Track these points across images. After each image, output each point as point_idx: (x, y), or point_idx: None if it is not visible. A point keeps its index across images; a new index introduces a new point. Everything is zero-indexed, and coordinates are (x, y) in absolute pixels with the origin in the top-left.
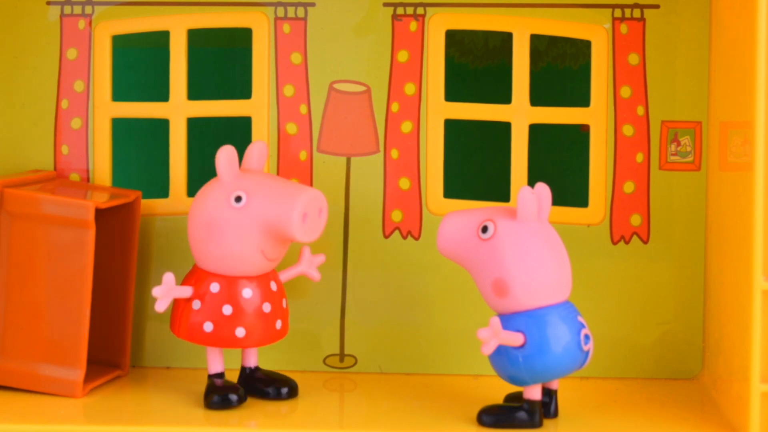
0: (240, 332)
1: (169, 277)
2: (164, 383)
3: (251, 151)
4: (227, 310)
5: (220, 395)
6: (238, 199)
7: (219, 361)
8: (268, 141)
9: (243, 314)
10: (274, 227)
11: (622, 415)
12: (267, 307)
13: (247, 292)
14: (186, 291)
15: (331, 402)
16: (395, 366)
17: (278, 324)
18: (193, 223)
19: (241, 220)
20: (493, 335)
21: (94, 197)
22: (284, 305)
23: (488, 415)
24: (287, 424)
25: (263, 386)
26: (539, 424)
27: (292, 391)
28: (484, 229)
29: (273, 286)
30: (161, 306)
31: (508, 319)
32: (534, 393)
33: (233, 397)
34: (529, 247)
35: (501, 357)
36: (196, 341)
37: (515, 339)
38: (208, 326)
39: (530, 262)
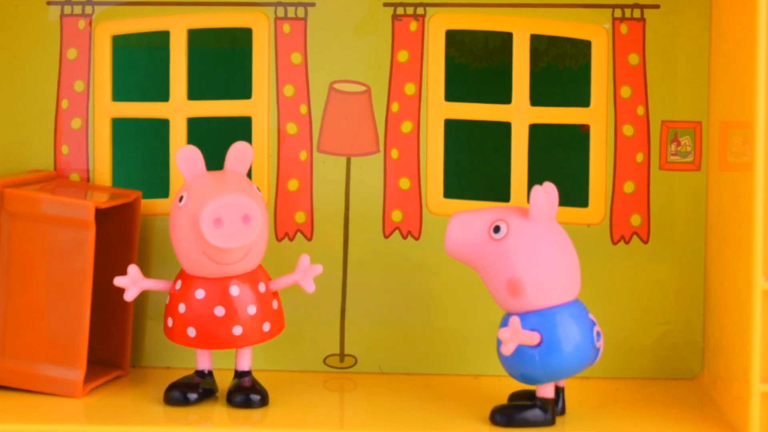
0: (191, 332)
1: (132, 269)
2: (164, 383)
3: (229, 152)
4: (181, 308)
5: (178, 391)
6: (181, 198)
7: (204, 359)
8: (268, 141)
9: (193, 314)
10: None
11: (622, 415)
12: (220, 311)
13: (200, 293)
14: (155, 284)
15: (331, 402)
16: (395, 366)
17: (236, 330)
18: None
19: (180, 219)
20: (513, 335)
21: (94, 197)
22: (249, 311)
23: (501, 414)
24: (287, 424)
25: (235, 394)
26: (552, 422)
27: (264, 400)
28: (497, 229)
29: (234, 290)
30: (128, 296)
31: (521, 319)
32: (547, 391)
33: (192, 396)
34: (543, 247)
35: (514, 356)
36: (166, 336)
37: (532, 338)
38: (169, 321)
39: (545, 261)
